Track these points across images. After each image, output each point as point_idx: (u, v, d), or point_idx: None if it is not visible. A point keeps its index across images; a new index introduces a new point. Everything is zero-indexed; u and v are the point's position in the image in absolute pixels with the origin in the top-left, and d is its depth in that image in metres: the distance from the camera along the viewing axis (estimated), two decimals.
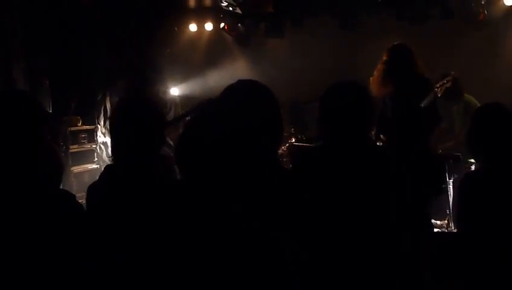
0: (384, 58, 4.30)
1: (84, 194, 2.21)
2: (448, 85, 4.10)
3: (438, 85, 4.04)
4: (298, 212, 1.83)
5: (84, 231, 1.83)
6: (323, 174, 2.18)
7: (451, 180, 5.03)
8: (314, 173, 2.19)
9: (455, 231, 4.68)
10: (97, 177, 2.19)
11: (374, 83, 4.30)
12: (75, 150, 6.13)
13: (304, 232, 1.85)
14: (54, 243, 1.72)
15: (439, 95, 4.03)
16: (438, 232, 4.72)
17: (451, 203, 4.80)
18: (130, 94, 5.57)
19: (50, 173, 1.90)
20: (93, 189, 2.16)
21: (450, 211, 4.79)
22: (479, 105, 5.34)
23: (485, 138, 2.33)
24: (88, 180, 5.90)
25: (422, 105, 3.95)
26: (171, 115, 5.33)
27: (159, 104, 2.39)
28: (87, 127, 6.47)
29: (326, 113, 2.29)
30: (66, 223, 1.76)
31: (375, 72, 4.33)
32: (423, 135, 4.12)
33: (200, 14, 7.48)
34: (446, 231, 4.76)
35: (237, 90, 1.88)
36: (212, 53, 7.75)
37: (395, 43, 4.30)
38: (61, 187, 2.06)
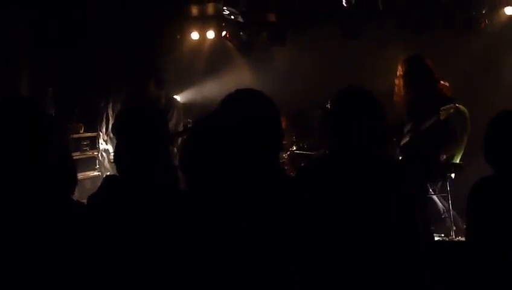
0: (402, 68, 4.37)
1: (85, 201, 2.21)
2: (451, 112, 4.19)
3: (442, 108, 4.13)
4: (300, 217, 1.83)
5: (91, 240, 1.84)
6: (326, 184, 2.18)
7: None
8: (317, 182, 2.19)
9: (456, 239, 4.67)
10: (99, 185, 2.19)
11: (397, 96, 4.39)
12: (77, 157, 6.13)
13: (306, 235, 1.85)
14: (65, 250, 1.72)
15: (441, 118, 4.13)
16: (438, 240, 4.71)
17: (451, 211, 4.79)
18: (131, 101, 5.60)
19: (64, 179, 1.90)
20: (94, 199, 2.15)
21: (451, 219, 4.78)
22: (465, 112, 5.42)
23: (501, 144, 2.32)
24: (90, 187, 5.91)
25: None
26: (173, 122, 5.36)
27: (164, 114, 2.42)
28: (89, 134, 6.49)
29: (334, 121, 2.28)
30: (78, 231, 1.77)
31: (396, 87, 4.42)
32: (436, 150, 4.19)
33: (202, 22, 7.51)
34: (447, 239, 4.75)
35: (235, 99, 1.91)
36: (213, 61, 7.77)
37: (412, 55, 4.37)
38: None
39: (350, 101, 2.28)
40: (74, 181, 1.97)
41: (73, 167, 2.02)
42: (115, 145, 2.24)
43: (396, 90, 4.44)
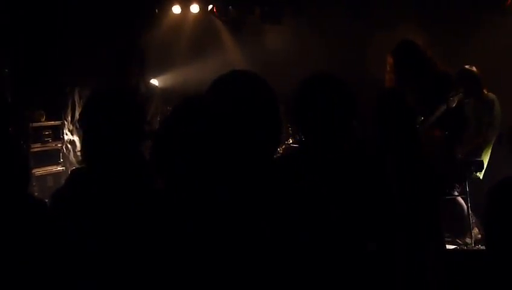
0: (391, 60, 4.41)
1: (47, 201, 2.20)
2: (460, 98, 4.26)
3: (450, 95, 4.21)
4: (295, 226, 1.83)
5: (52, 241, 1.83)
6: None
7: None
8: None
9: (476, 248, 4.69)
10: (63, 182, 2.18)
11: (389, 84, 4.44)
12: (38, 149, 6.09)
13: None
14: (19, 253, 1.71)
15: (453, 105, 4.19)
16: (456, 249, 4.73)
17: (471, 215, 4.81)
18: (103, 86, 5.54)
19: (15, 176, 1.89)
20: (59, 196, 2.13)
21: (471, 225, 4.81)
22: (494, 100, 5.44)
23: None
24: (52, 184, 5.87)
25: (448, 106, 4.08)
26: (151, 110, 5.34)
27: (140, 98, 2.41)
28: (52, 123, 6.44)
29: (297, 114, 2.30)
30: (35, 231, 1.76)
31: (386, 76, 4.46)
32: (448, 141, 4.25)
33: None
34: (465, 248, 4.77)
35: (230, 82, 1.86)
36: (198, 40, 7.73)
37: (399, 42, 4.42)
38: None
39: (316, 91, 2.31)
40: (27, 177, 1.95)
41: (26, 160, 2.00)
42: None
43: (387, 85, 4.50)
